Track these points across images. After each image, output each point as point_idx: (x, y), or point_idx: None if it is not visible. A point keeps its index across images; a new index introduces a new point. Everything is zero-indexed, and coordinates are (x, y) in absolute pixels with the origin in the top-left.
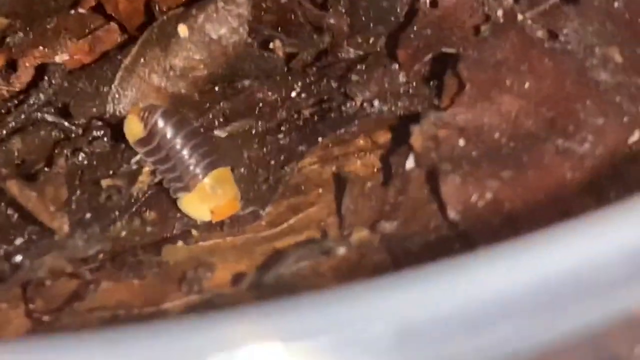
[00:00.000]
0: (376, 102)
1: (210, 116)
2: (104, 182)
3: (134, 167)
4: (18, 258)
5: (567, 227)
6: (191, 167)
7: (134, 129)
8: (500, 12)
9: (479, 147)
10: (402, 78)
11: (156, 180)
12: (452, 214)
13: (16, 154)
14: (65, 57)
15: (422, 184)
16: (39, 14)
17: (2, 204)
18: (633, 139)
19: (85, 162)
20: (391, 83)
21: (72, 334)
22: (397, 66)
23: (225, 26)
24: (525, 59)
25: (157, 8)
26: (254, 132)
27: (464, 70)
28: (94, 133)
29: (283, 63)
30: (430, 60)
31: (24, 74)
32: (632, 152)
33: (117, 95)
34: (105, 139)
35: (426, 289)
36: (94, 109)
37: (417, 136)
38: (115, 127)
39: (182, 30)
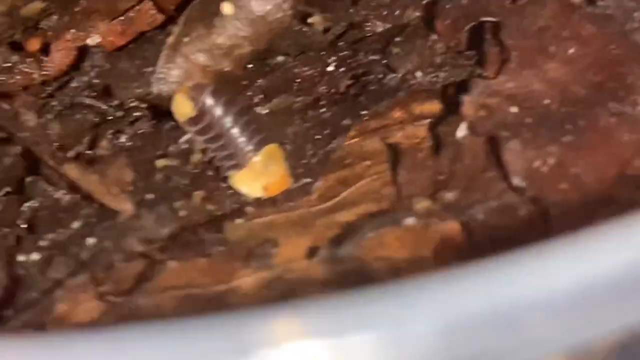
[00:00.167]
0: (418, 74)
1: (250, 93)
2: (159, 163)
3: (184, 146)
4: (91, 241)
5: None
6: (242, 145)
7: (183, 108)
8: None
9: (532, 114)
10: (441, 48)
11: (206, 158)
12: (516, 180)
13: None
14: (98, 39)
15: (475, 152)
16: None
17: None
18: None
19: (129, 143)
20: (431, 54)
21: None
22: (435, 36)
23: (271, 2)
24: (567, 25)
25: None
26: (294, 107)
27: (507, 39)
28: (135, 114)
29: (322, 38)
30: (467, 29)
31: (57, 58)
32: None
33: (161, 75)
34: (146, 119)
35: (472, 286)
36: (138, 90)
37: (469, 105)
38: (157, 107)
39: (227, 7)
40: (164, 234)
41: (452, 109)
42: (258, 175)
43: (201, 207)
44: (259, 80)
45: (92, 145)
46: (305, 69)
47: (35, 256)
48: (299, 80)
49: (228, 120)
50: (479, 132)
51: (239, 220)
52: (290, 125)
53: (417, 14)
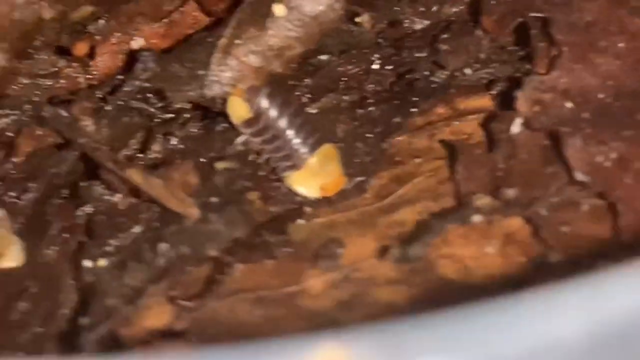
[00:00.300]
0: (467, 70)
1: (298, 93)
2: (218, 165)
3: (240, 148)
4: (163, 246)
5: None
6: (298, 146)
7: (239, 110)
8: None
9: (588, 109)
10: (487, 44)
11: (262, 159)
12: (579, 176)
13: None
14: (142, 42)
15: (530, 148)
16: (123, 1)
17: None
18: None
19: (181, 146)
20: (478, 50)
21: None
22: (481, 33)
23: (323, 3)
24: (615, 20)
25: None
26: (342, 106)
27: (557, 34)
28: (185, 116)
29: (368, 36)
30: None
31: (102, 62)
32: None
33: (214, 78)
34: (196, 122)
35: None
36: (191, 93)
37: (523, 101)
38: (206, 109)
39: (279, 9)
40: (234, 237)
41: (503, 105)
42: (315, 176)
43: (263, 209)
44: (306, 80)
45: (144, 148)
46: (350, 67)
47: (102, 262)
48: (344, 78)
49: (283, 122)
50: (536, 127)
51: (300, 221)
52: (340, 124)
53: (454, 10)
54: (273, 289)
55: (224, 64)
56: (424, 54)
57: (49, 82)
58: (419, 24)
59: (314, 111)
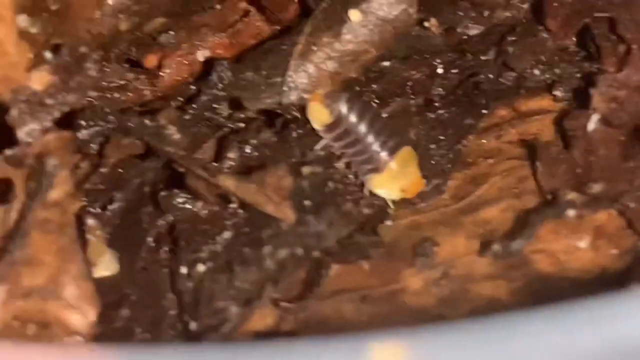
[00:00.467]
0: (535, 71)
1: (366, 99)
2: (305, 170)
3: (320, 152)
4: (267, 250)
5: None
6: (378, 150)
7: (319, 115)
8: None
9: None
10: (552, 45)
11: (342, 163)
12: None
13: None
14: (207, 53)
15: (608, 143)
16: (193, 12)
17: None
18: None
19: (256, 153)
20: (543, 51)
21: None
22: (545, 34)
23: (398, 8)
24: None
25: None
26: (411, 110)
27: (625, 33)
28: (258, 124)
29: (436, 41)
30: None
31: (168, 74)
32: None
33: (292, 84)
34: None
35: None
36: (268, 100)
37: (598, 98)
38: (279, 116)
39: (354, 15)
40: (335, 239)
41: (578, 103)
42: (395, 179)
43: (355, 210)
44: (373, 85)
45: (220, 156)
46: (414, 72)
47: (201, 268)
48: (410, 83)
49: (363, 126)
50: (615, 123)
51: (387, 222)
52: (412, 127)
53: (514, 13)
54: (375, 288)
55: (300, 70)
56: (489, 57)
57: (116, 95)
58: (477, 29)
59: (385, 115)
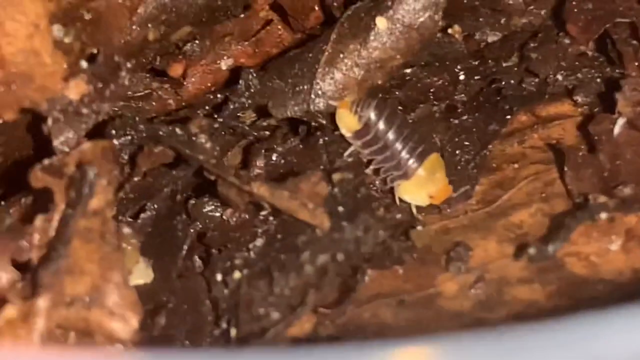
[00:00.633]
0: (559, 76)
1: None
2: (335, 176)
3: (349, 159)
4: (305, 256)
5: None
6: (407, 156)
7: (348, 122)
8: None
9: None
10: (573, 51)
11: (370, 169)
12: None
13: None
14: (230, 62)
15: (635, 147)
16: (217, 21)
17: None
18: None
19: (282, 161)
20: (565, 56)
21: None
22: (567, 40)
23: (424, 15)
24: None
25: (334, 3)
26: (435, 117)
27: None
28: (283, 131)
29: (460, 47)
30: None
31: (192, 83)
32: None
33: (319, 91)
34: (295, 136)
35: None
36: (295, 108)
37: (624, 102)
38: (304, 124)
39: (381, 22)
40: (373, 244)
41: (603, 108)
42: (424, 185)
43: (387, 216)
44: (397, 92)
45: (247, 164)
46: (436, 79)
47: (237, 275)
48: (432, 90)
49: (392, 133)
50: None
51: (418, 228)
52: (437, 134)
53: (524, 20)
54: (410, 293)
55: (328, 77)
56: (510, 63)
57: (140, 104)
58: (496, 36)
59: (410, 121)
